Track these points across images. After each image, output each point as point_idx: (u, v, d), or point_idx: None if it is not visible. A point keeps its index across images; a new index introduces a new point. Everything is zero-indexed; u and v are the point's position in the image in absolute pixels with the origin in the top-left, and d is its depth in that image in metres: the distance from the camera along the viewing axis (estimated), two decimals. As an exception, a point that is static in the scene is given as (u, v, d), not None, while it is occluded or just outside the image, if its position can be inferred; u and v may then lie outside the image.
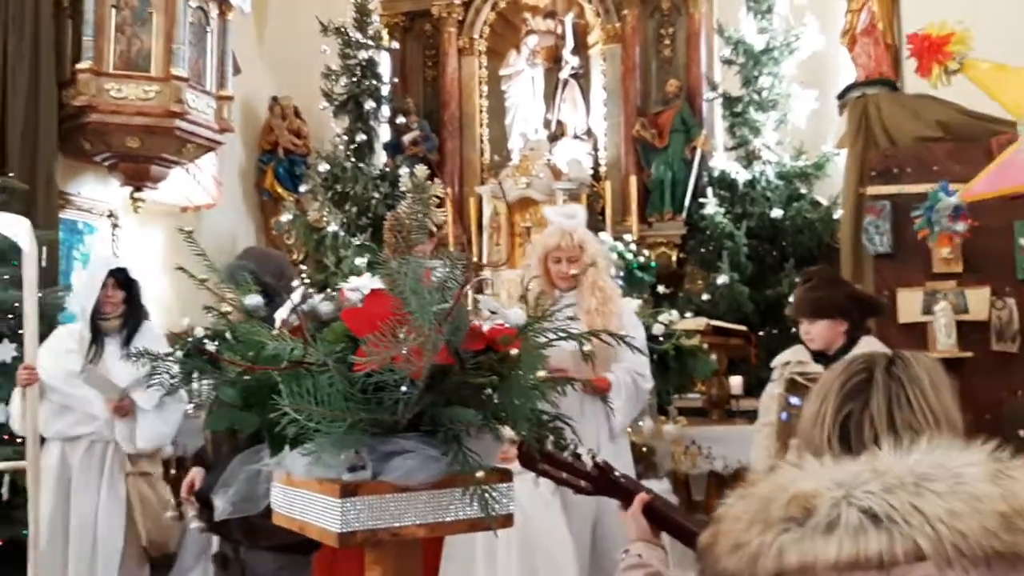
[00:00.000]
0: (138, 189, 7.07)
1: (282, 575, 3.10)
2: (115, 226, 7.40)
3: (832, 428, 1.40)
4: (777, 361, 3.83)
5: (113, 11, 6.60)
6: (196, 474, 3.15)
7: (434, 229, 1.81)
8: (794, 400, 3.47)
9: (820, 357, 3.57)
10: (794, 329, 6.76)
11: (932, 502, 1.13)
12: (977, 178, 3.27)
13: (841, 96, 5.81)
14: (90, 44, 6.50)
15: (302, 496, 1.67)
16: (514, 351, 1.64)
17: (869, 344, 3.56)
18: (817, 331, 3.51)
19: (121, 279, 4.06)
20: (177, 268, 1.64)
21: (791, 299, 6.59)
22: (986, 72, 2.95)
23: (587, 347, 1.59)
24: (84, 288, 4.09)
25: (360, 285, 1.65)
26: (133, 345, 3.81)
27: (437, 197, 1.74)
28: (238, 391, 1.61)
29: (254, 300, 1.76)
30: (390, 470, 1.60)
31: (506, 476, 1.68)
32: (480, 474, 1.55)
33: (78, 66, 6.51)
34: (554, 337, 1.63)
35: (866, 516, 1.15)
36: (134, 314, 4.11)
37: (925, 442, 1.23)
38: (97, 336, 3.99)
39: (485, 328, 1.73)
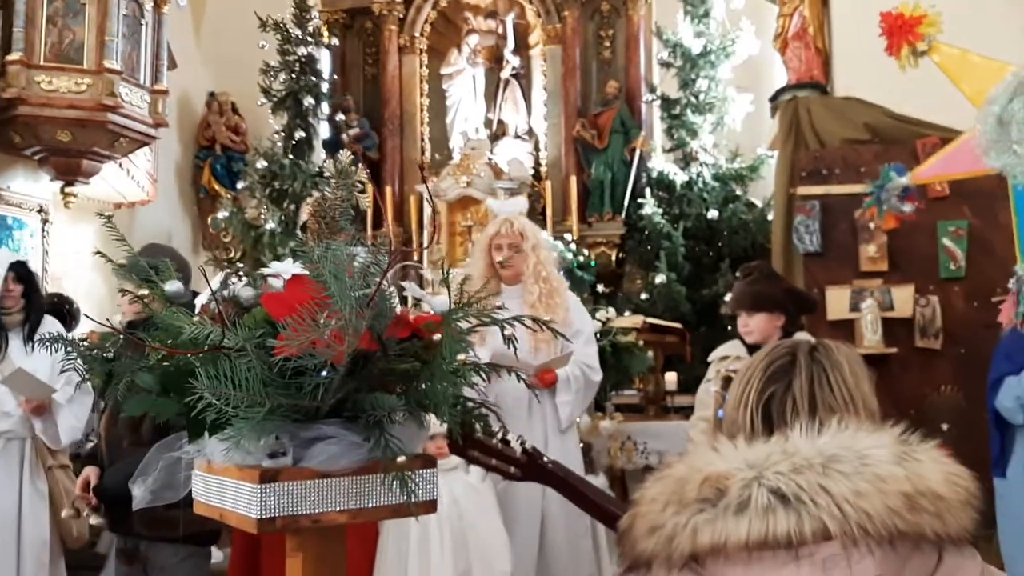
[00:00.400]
0: (69, 184, 6.90)
1: (184, 566, 3.08)
2: (45, 222, 7.22)
3: (755, 409, 1.42)
4: (714, 356, 3.89)
5: (44, 2, 6.44)
6: (91, 472, 3.11)
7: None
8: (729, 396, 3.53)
9: (755, 351, 3.63)
10: (729, 328, 6.91)
11: (838, 483, 1.17)
12: (929, 161, 3.34)
13: (773, 99, 5.93)
14: (20, 35, 6.33)
15: (222, 483, 1.65)
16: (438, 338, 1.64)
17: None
18: (755, 324, 3.58)
19: (21, 273, 3.97)
20: (96, 253, 1.61)
21: (728, 295, 6.78)
22: (953, 58, 2.99)
23: (508, 331, 1.59)
24: None
25: (282, 270, 1.64)
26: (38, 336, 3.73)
27: (360, 183, 1.74)
28: (156, 377, 1.59)
29: (175, 286, 1.74)
30: (311, 456, 1.59)
31: (429, 462, 1.68)
32: (402, 459, 1.55)
33: (8, 57, 6.33)
34: (478, 324, 1.64)
35: (775, 496, 1.18)
36: (35, 308, 4.02)
37: (836, 424, 1.27)
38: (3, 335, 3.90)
39: (411, 316, 1.74)
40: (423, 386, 1.65)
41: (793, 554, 1.17)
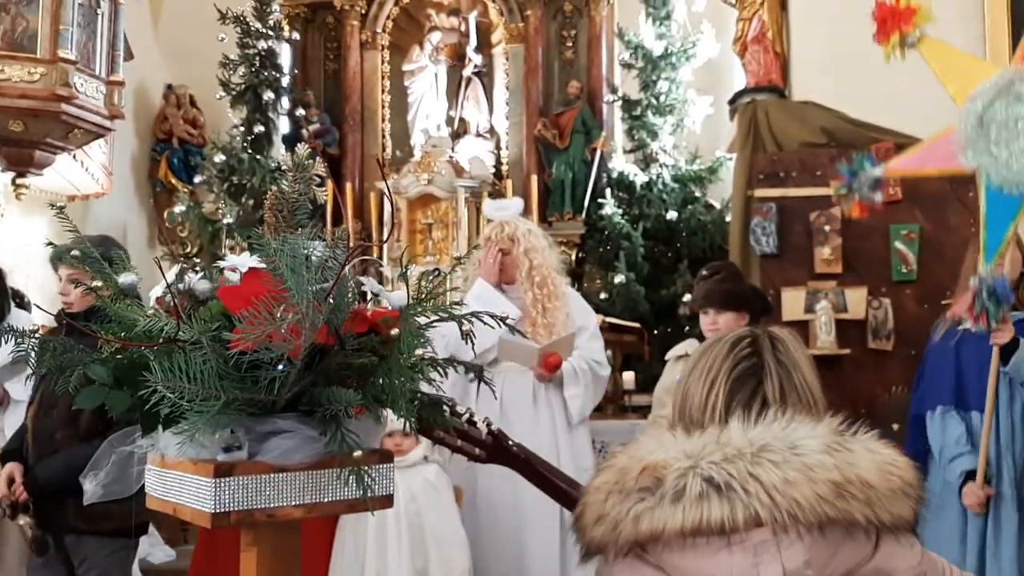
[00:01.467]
0: (21, 175, 6.76)
1: (115, 558, 3.06)
2: (-5, 213, 7.07)
3: (723, 413, 1.43)
4: (671, 354, 3.92)
5: (-4, -11, 6.32)
6: (14, 468, 3.05)
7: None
8: None
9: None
10: (687, 328, 6.99)
11: (768, 471, 1.22)
12: (904, 153, 3.36)
13: (732, 102, 6.00)
14: (-29, 22, 6.20)
15: (176, 477, 1.63)
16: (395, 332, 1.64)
17: None
18: (724, 322, 3.59)
19: None
20: (47, 244, 1.59)
21: (687, 296, 6.84)
22: (940, 53, 3.00)
23: (466, 326, 1.60)
24: None
25: (238, 263, 1.63)
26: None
27: (318, 176, 1.73)
28: (109, 369, 1.57)
29: (128, 279, 1.72)
30: (267, 450, 1.59)
31: (386, 457, 1.68)
32: (358, 454, 1.55)
33: (-43, 44, 6.20)
34: (435, 319, 1.64)
35: (709, 485, 1.23)
36: (1, 303, 3.95)
37: (771, 415, 1.31)
38: None
39: (368, 310, 1.73)
40: (380, 381, 1.64)
41: (726, 540, 1.22)
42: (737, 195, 5.31)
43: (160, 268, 1.96)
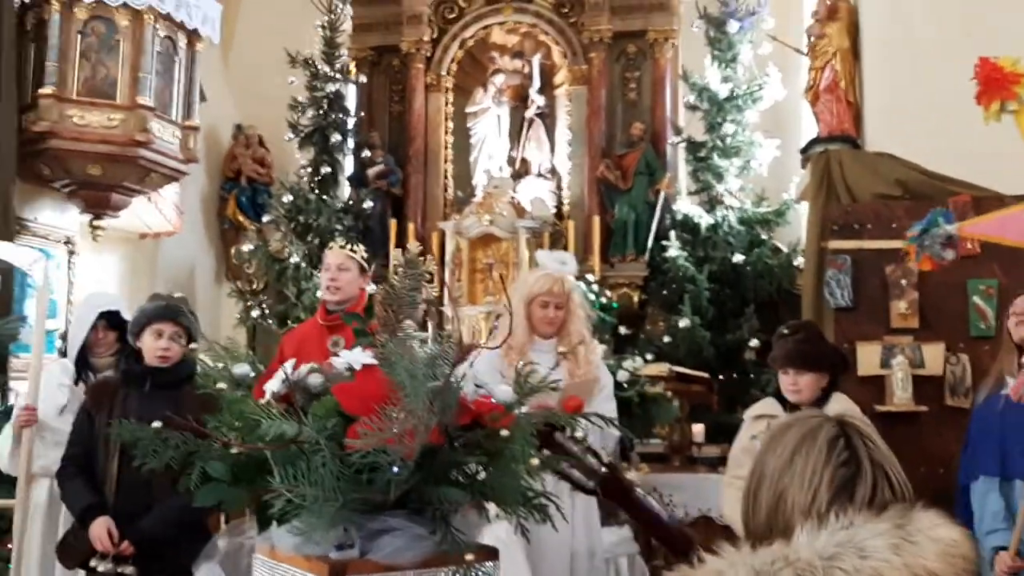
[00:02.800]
0: (98, 217, 6.96)
1: None
2: (72, 253, 7.27)
3: (823, 519, 1.40)
4: (749, 414, 3.86)
5: (79, 37, 6.53)
6: (107, 523, 3.08)
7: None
8: None
9: (794, 409, 3.62)
10: (753, 374, 6.91)
11: None
12: (983, 218, 3.29)
13: (804, 150, 5.95)
14: (54, 69, 6.41)
15: (287, 571, 1.65)
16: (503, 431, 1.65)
17: (840, 400, 3.62)
18: (805, 382, 3.53)
19: (113, 322, 3.98)
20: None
21: (755, 339, 6.75)
22: None
23: (579, 433, 1.60)
24: (74, 327, 4.00)
25: (352, 360, 1.65)
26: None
27: (428, 273, 1.75)
28: (227, 466, 1.60)
29: (243, 369, 1.76)
30: (378, 548, 1.60)
31: (492, 554, 1.68)
32: (469, 556, 1.56)
33: (40, 91, 6.41)
34: (542, 420, 1.65)
35: None
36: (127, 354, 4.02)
37: (833, 519, 1.30)
38: (85, 374, 3.90)
39: (470, 401, 1.74)
40: (489, 479, 1.65)
41: None
42: (810, 246, 5.24)
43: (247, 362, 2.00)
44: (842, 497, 1.40)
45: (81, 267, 7.37)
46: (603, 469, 1.86)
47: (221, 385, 1.67)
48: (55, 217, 7.08)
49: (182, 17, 6.79)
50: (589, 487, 1.87)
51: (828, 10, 5.72)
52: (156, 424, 1.62)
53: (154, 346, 3.25)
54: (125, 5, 6.51)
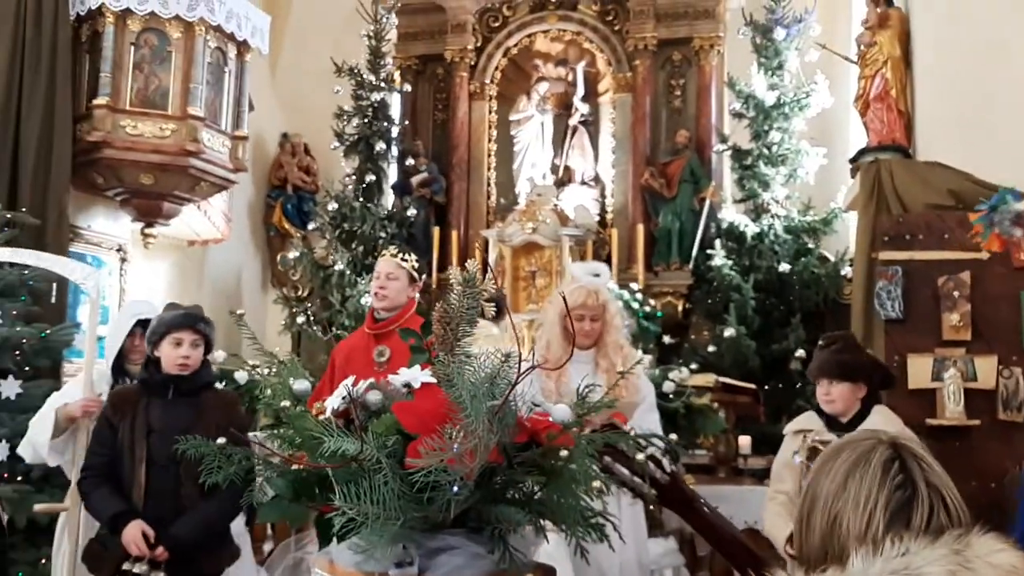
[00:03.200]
0: (149, 225, 7.09)
1: None
2: (123, 260, 7.40)
3: (879, 542, 1.39)
4: (789, 428, 3.83)
5: (132, 48, 6.65)
6: (141, 527, 3.11)
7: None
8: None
9: (834, 423, 3.59)
10: (799, 384, 6.83)
11: None
12: None
13: (854, 159, 5.87)
14: (107, 80, 6.53)
15: (346, 587, 1.67)
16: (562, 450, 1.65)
17: (882, 413, 3.58)
18: (839, 393, 3.52)
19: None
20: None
21: (801, 349, 6.67)
22: None
23: (648, 451, 1.60)
24: (111, 334, 4.07)
25: (411, 378, 1.67)
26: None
27: (486, 291, 1.76)
28: (288, 482, 1.62)
29: (302, 385, 1.78)
30: (436, 566, 1.61)
31: (549, 574, 1.69)
32: (528, 575, 1.57)
33: (94, 102, 6.53)
34: (602, 440, 1.65)
35: None
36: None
37: (889, 545, 1.28)
38: (121, 380, 3.97)
39: (526, 419, 1.75)
40: (546, 498, 1.66)
41: None
42: (860, 256, 5.18)
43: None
44: (898, 522, 1.39)
45: (132, 274, 7.51)
46: (666, 479, 1.86)
47: (285, 403, 1.69)
48: (108, 225, 7.22)
49: (232, 28, 6.89)
50: (650, 496, 1.88)
51: (879, 18, 5.64)
52: (220, 440, 1.64)
53: (174, 354, 3.27)
54: (177, 17, 6.63)
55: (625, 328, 4.04)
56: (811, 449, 3.60)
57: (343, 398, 1.69)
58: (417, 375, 1.68)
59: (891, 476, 1.41)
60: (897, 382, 4.82)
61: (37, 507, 4.09)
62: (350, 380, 1.70)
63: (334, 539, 1.63)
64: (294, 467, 1.60)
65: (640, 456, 1.84)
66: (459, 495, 1.53)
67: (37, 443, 3.84)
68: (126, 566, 3.12)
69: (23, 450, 4.01)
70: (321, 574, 1.75)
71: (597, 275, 4.01)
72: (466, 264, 1.75)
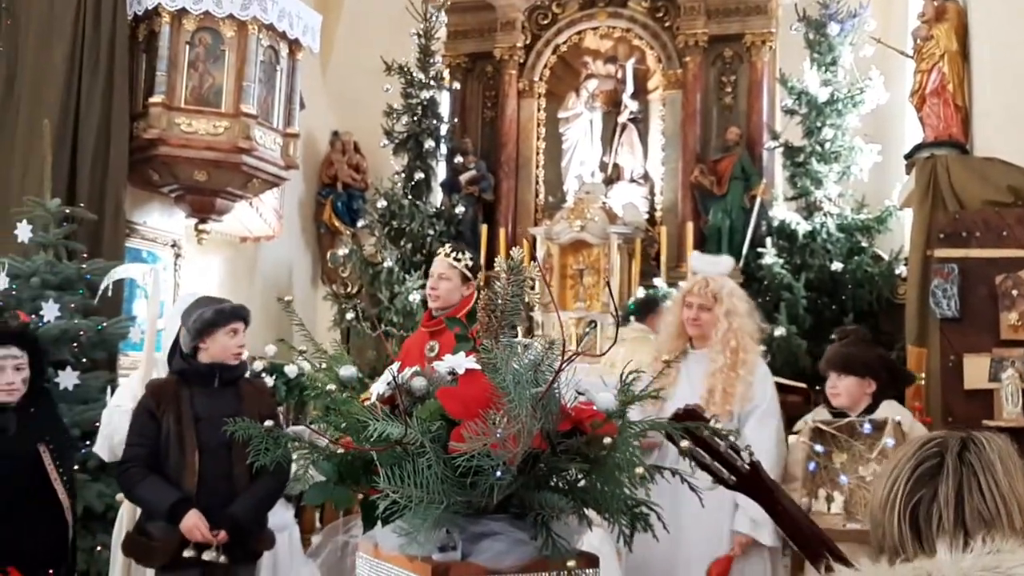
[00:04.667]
0: (203, 221, 7.21)
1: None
2: (178, 256, 7.54)
3: (902, 515, 1.36)
4: (798, 426, 3.80)
5: (187, 47, 6.76)
6: (198, 516, 3.17)
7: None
8: (819, 447, 3.48)
9: (839, 416, 3.57)
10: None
11: None
12: None
13: (909, 156, 5.76)
14: (163, 79, 6.64)
15: (390, 571, 1.68)
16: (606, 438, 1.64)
17: (889, 407, 3.54)
18: (844, 386, 3.51)
19: None
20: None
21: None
22: None
23: (684, 443, 1.58)
24: (167, 327, 4.14)
25: (455, 364, 1.67)
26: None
27: (531, 279, 1.76)
28: (334, 465, 1.63)
29: (349, 371, 1.79)
30: (479, 551, 1.62)
31: (593, 561, 1.68)
32: (571, 562, 1.56)
33: (150, 100, 6.65)
34: (645, 428, 1.64)
35: None
36: None
37: (980, 544, 1.22)
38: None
39: (570, 408, 1.74)
40: (590, 486, 1.65)
41: None
42: (915, 254, 5.08)
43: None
44: (921, 491, 1.35)
45: (185, 269, 7.64)
46: (746, 467, 1.87)
47: (331, 387, 1.71)
48: (163, 221, 7.35)
49: (284, 27, 6.98)
50: (724, 476, 1.89)
51: (936, 11, 5.52)
52: (268, 423, 1.67)
53: (231, 344, 3.38)
54: (231, 16, 6.73)
55: (750, 326, 3.62)
56: (813, 430, 3.58)
57: (388, 384, 1.70)
58: (461, 362, 1.69)
59: (926, 453, 1.39)
60: (953, 382, 4.74)
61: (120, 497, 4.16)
62: (395, 366, 1.71)
63: (379, 522, 1.64)
64: (340, 451, 1.61)
65: (721, 443, 1.84)
66: (502, 480, 1.53)
67: (115, 443, 3.91)
68: (187, 553, 3.18)
69: (99, 449, 4.06)
70: (366, 558, 1.77)
71: (715, 264, 3.82)
72: (512, 253, 1.75)
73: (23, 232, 5.21)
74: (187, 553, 3.17)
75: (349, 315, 8.50)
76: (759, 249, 7.44)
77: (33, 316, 5.05)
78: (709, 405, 3.48)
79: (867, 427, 3.46)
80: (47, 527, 3.58)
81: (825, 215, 7.36)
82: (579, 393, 1.78)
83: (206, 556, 3.18)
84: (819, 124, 7.41)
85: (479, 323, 1.75)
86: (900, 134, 7.24)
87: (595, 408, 1.74)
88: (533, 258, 8.26)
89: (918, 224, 5.13)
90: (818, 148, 7.40)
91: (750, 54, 8.07)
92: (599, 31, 8.71)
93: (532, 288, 1.75)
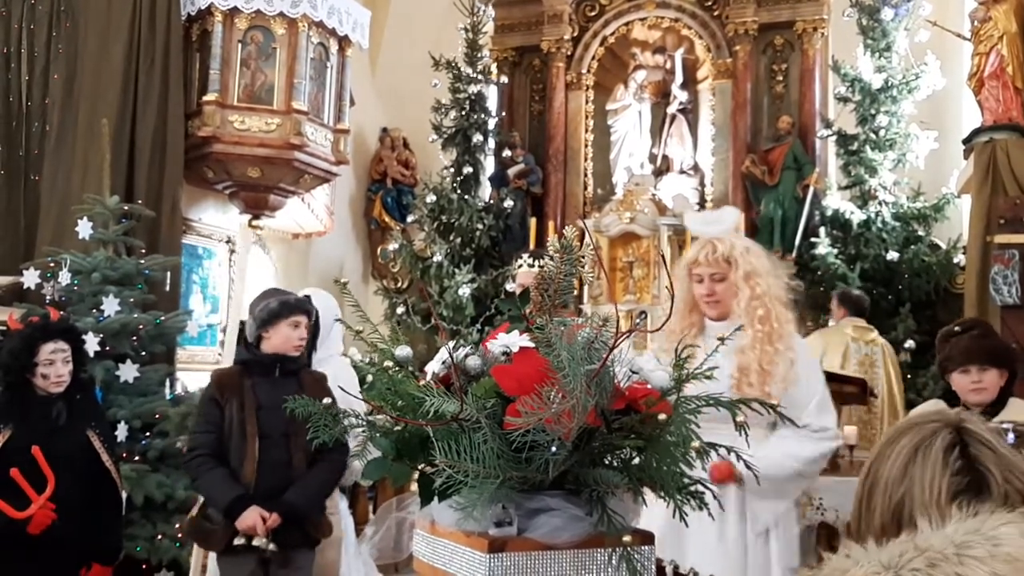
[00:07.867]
0: (256, 217, 7.31)
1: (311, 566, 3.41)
2: (232, 252, 7.67)
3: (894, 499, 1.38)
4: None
5: (239, 46, 6.86)
6: (258, 513, 3.23)
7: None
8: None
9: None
10: (908, 376, 6.59)
11: (975, 569, 1.17)
12: None
13: (967, 140, 5.64)
14: (216, 77, 6.75)
15: (447, 547, 1.70)
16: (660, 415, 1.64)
17: (1017, 406, 3.38)
18: (989, 380, 3.22)
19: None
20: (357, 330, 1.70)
21: (911, 340, 6.42)
22: None
23: (740, 418, 1.57)
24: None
25: (509, 343, 1.68)
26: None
27: (583, 257, 1.76)
28: (392, 443, 1.65)
29: (404, 351, 1.81)
30: (535, 527, 1.62)
31: (648, 539, 1.68)
32: (627, 538, 1.56)
33: (204, 98, 6.76)
34: (702, 404, 1.63)
35: None
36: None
37: (959, 512, 1.26)
38: None
39: (624, 387, 1.74)
40: (645, 462, 1.65)
41: None
42: (974, 241, 4.98)
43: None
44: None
45: (241, 264, 7.76)
46: None
47: (388, 363, 1.73)
48: (218, 217, 7.49)
49: (334, 24, 7.05)
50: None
51: (994, -8, 5.42)
52: (326, 400, 1.69)
53: (293, 335, 3.45)
54: (281, 14, 6.82)
55: (777, 288, 2.99)
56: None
57: (443, 363, 1.72)
58: (515, 340, 1.69)
59: (952, 461, 1.38)
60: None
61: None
62: (451, 344, 1.72)
63: (435, 498, 1.66)
64: (397, 428, 1.63)
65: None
66: (557, 455, 1.54)
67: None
68: (237, 541, 3.25)
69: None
70: (423, 534, 1.78)
71: (717, 222, 3.14)
72: (563, 231, 1.75)
73: (84, 229, 5.36)
74: (237, 541, 3.24)
75: (400, 309, 8.57)
76: (812, 239, 7.35)
77: (94, 311, 5.20)
78: (743, 387, 2.91)
79: (1011, 437, 3.23)
80: (111, 513, 3.71)
81: (880, 204, 7.23)
82: (633, 372, 1.78)
83: (256, 542, 3.24)
84: (873, 111, 7.28)
85: (532, 302, 1.76)
86: (957, 119, 7.10)
87: (649, 387, 1.73)
88: (583, 231, 8.25)
89: (977, 210, 5.03)
90: (872, 136, 7.28)
91: (801, 41, 7.96)
92: (647, 22, 8.67)
93: (583, 267, 1.75)
